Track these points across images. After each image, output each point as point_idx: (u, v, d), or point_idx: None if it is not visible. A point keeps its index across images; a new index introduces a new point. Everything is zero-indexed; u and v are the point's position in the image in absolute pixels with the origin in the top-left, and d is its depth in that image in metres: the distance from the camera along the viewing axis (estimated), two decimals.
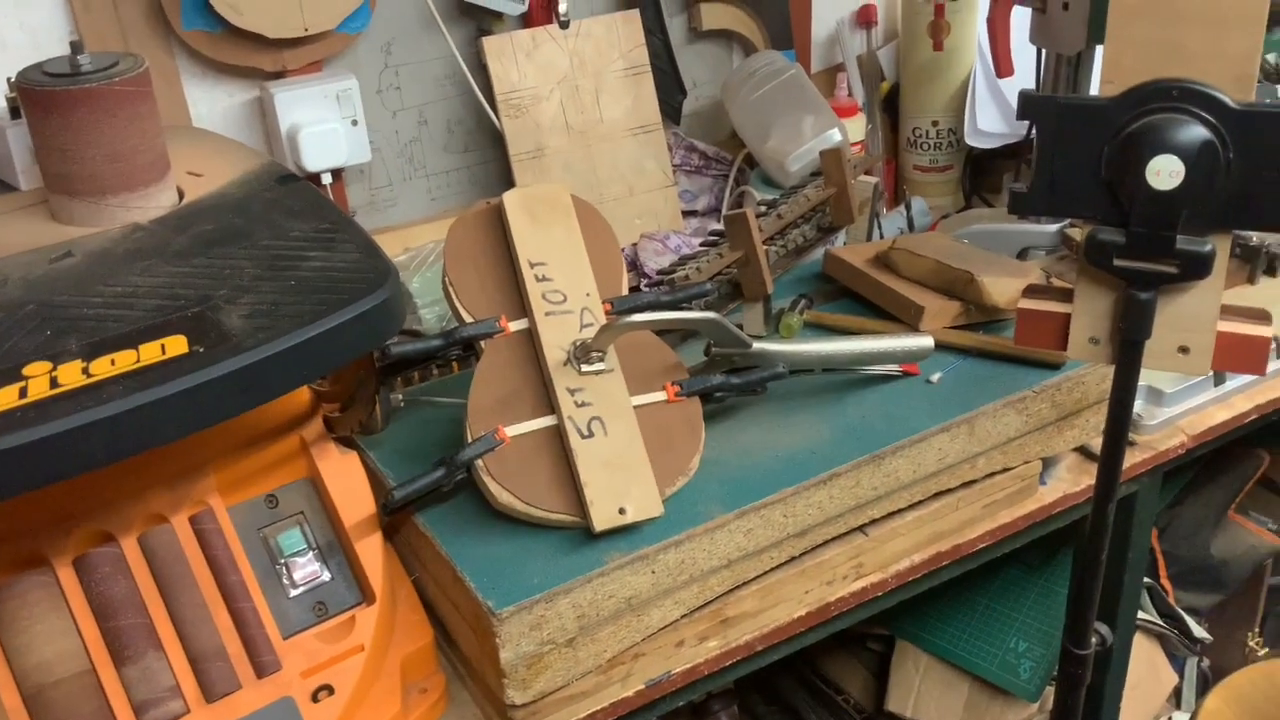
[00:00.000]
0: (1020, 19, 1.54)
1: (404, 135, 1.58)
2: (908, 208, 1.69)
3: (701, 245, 1.34)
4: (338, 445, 1.00)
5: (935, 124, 1.84)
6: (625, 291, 1.10)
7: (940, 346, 1.24)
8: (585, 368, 1.02)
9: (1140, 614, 1.74)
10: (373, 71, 1.52)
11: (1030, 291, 1.04)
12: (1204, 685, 1.93)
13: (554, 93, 1.58)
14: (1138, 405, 1.36)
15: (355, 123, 1.46)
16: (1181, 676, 1.92)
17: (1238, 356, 0.97)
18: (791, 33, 1.79)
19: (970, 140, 1.78)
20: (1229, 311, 0.98)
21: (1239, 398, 1.42)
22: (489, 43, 1.54)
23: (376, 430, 1.05)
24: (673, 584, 1.00)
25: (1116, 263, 0.94)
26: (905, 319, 1.29)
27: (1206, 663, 1.95)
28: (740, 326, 1.30)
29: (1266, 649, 2.02)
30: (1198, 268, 0.93)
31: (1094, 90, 0.98)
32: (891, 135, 1.92)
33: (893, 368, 1.21)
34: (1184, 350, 0.98)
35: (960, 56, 1.78)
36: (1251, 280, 1.53)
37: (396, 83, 1.55)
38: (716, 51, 1.80)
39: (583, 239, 1.09)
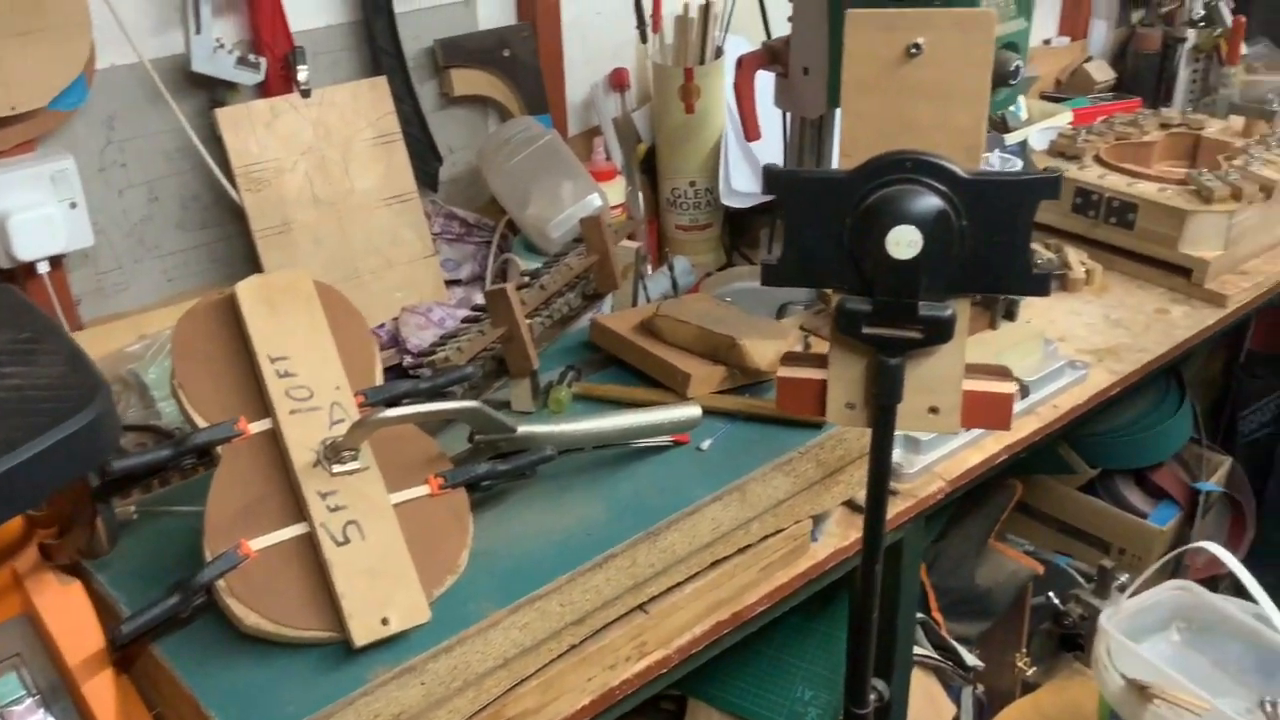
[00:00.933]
0: (765, 83, 1.58)
1: (133, 214, 1.46)
2: (671, 269, 1.70)
3: (464, 321, 1.29)
4: (57, 575, 0.90)
5: (693, 184, 1.87)
6: (379, 380, 1.04)
7: (709, 412, 1.24)
8: (337, 468, 0.95)
9: (916, 649, 1.80)
10: (94, 149, 1.40)
11: (788, 359, 1.05)
12: (980, 711, 2.01)
13: (298, 164, 1.50)
14: (897, 454, 1.40)
15: (74, 205, 1.34)
16: (959, 704, 1.99)
17: (984, 414, 1.00)
18: (546, 97, 1.78)
19: (726, 200, 1.81)
20: (974, 370, 1.01)
21: (989, 440, 1.49)
22: (223, 114, 1.45)
23: (102, 553, 0.95)
24: (445, 693, 0.94)
25: (865, 330, 0.96)
26: (673, 386, 1.28)
27: (981, 689, 2.03)
28: (507, 404, 1.26)
29: (1034, 668, 2.12)
30: (940, 332, 0.95)
31: (836, 152, 1.01)
32: (652, 195, 1.94)
33: (664, 438, 1.19)
34: (934, 410, 1.00)
35: (711, 119, 1.82)
36: (993, 325, 1.61)
37: (122, 159, 1.43)
38: (471, 117, 1.77)
39: (329, 327, 1.02)
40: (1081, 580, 2.32)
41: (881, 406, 0.99)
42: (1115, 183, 1.91)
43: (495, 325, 1.21)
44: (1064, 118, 2.37)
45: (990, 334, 1.61)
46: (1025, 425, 1.53)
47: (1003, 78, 1.36)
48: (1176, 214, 1.82)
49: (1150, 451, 2.39)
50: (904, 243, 0.91)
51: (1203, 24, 2.54)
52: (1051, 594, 2.27)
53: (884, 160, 0.93)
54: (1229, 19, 2.48)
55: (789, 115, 1.59)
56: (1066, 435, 2.36)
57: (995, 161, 2.17)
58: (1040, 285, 0.95)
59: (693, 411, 1.16)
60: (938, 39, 0.90)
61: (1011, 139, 2.28)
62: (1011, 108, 2.44)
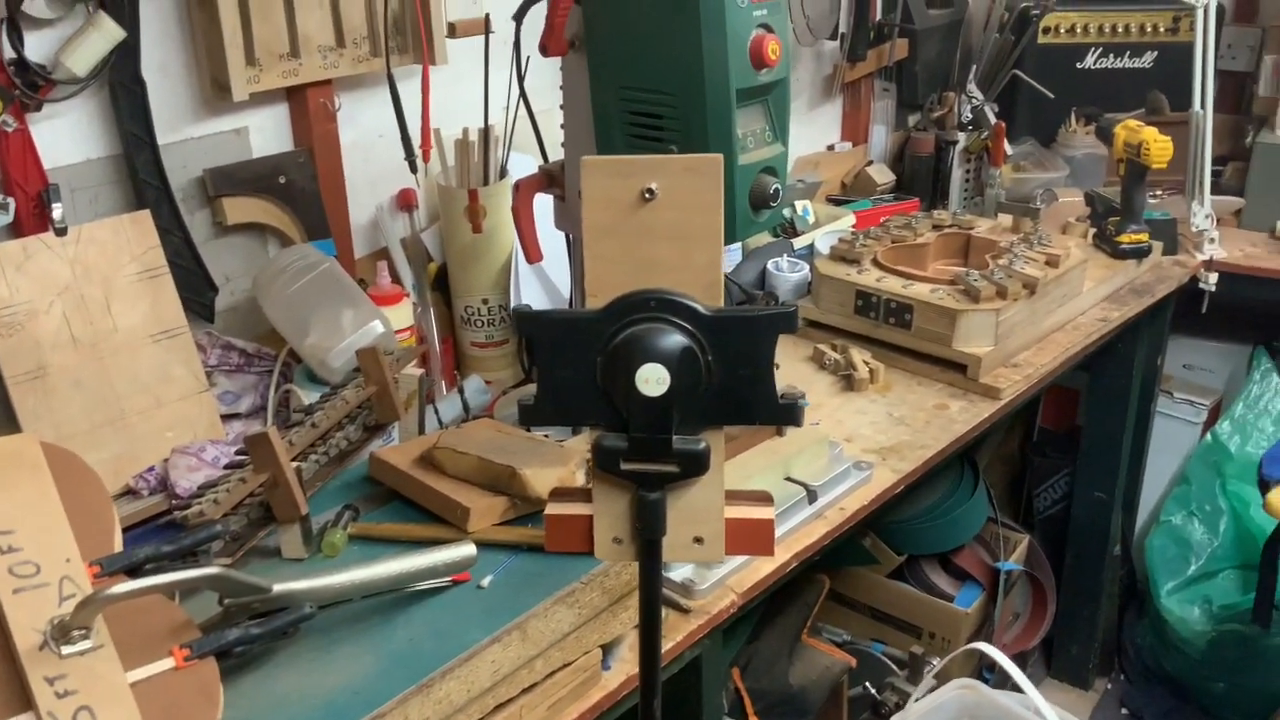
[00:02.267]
0: (545, 205, 1.60)
1: None
2: (461, 391, 1.68)
3: (227, 466, 1.24)
4: None
5: (485, 302, 1.86)
6: (118, 546, 0.98)
7: (491, 545, 1.22)
8: (67, 649, 0.89)
9: None
10: None
11: (556, 495, 1.04)
12: None
13: (54, 305, 1.43)
14: (688, 571, 1.41)
15: None
16: None
17: (747, 540, 1.01)
18: (328, 221, 1.75)
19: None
20: (735, 497, 1.02)
21: (778, 549, 1.50)
22: None
23: None
24: None
25: (623, 467, 0.96)
26: (453, 521, 1.25)
27: None
28: (279, 550, 1.21)
29: None
30: (695, 466, 0.96)
31: None
32: (447, 313, 1.92)
33: (442, 579, 1.16)
34: (699, 541, 1.01)
35: (500, 237, 1.82)
36: (780, 432, 1.64)
37: None
38: (250, 244, 1.73)
39: (59, 494, 0.96)
40: (895, 668, 2.37)
41: (646, 541, 0.98)
42: (892, 285, 1.99)
43: (258, 471, 1.17)
44: (847, 221, 2.48)
45: (778, 441, 1.64)
46: (814, 529, 1.56)
47: (763, 200, 1.40)
48: (948, 314, 1.91)
49: (950, 536, 2.48)
50: (653, 380, 0.92)
51: (971, 128, 2.72)
52: (868, 684, 2.31)
53: (629, 300, 0.94)
54: (994, 122, 2.66)
55: (570, 236, 1.61)
56: (873, 525, 2.44)
57: (785, 266, 2.25)
58: (789, 415, 0.98)
59: (466, 551, 1.13)
60: (671, 184, 0.93)
61: (800, 243, 2.37)
62: (800, 212, 2.56)
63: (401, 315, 1.70)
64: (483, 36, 1.71)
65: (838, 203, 2.69)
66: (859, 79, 2.78)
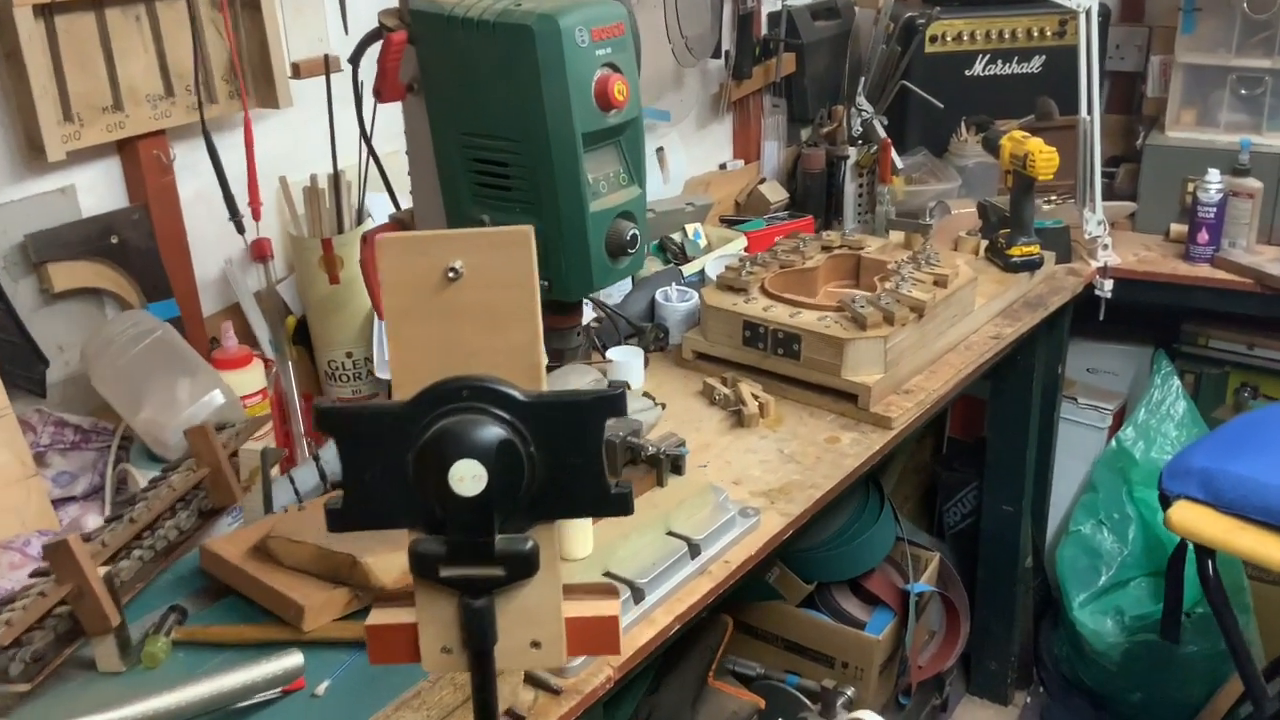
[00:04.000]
0: None
1: None
2: (317, 459, 1.57)
3: (32, 574, 1.12)
4: None
5: (350, 355, 1.76)
6: None
7: (330, 645, 1.12)
8: None
9: None
10: None
11: (380, 602, 0.95)
12: None
13: None
14: None
15: None
16: None
17: (591, 640, 0.93)
18: (168, 281, 1.63)
19: (381, 373, 1.71)
20: (574, 592, 0.94)
21: (659, 612, 1.42)
22: None
23: None
24: None
25: (443, 573, 0.87)
26: (288, 620, 1.15)
27: None
28: (93, 663, 1.09)
29: None
30: (523, 567, 0.87)
31: None
32: (312, 368, 1.82)
33: (271, 690, 1.06)
34: (536, 645, 0.92)
35: (360, 286, 1.72)
36: (660, 482, 1.56)
37: None
38: (85, 310, 1.60)
39: None
40: (808, 702, 2.30)
41: (476, 651, 0.90)
42: (779, 314, 1.93)
43: (60, 583, 1.06)
44: (739, 244, 2.42)
45: (658, 493, 1.56)
46: (698, 587, 1.48)
47: (620, 247, 1.32)
48: (835, 343, 1.85)
49: (859, 561, 2.42)
50: (468, 478, 0.83)
51: (861, 141, 2.67)
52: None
53: (439, 390, 0.85)
54: (883, 136, 2.61)
55: None
56: (781, 554, 2.37)
57: (674, 295, 2.17)
58: (622, 505, 0.89)
59: (291, 662, 1.04)
60: (477, 260, 0.84)
61: (690, 269, 2.30)
62: (691, 236, 2.49)
63: (250, 379, 1.59)
64: (332, 76, 1.61)
65: (731, 223, 2.63)
66: (747, 96, 2.71)
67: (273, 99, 1.65)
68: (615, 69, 1.28)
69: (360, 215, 1.72)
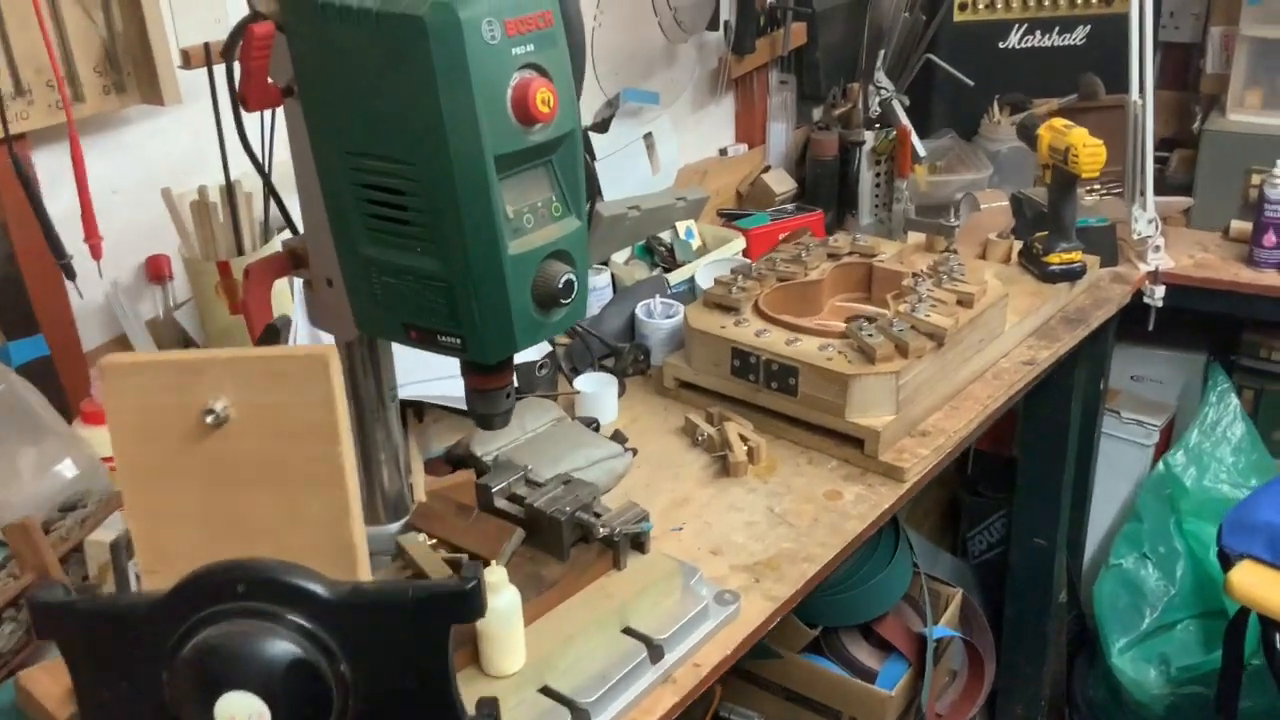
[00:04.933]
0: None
1: None
2: None
3: None
4: None
5: None
6: None
7: None
8: None
9: None
10: None
11: None
12: None
13: None
14: None
15: None
16: None
17: None
18: (34, 313, 1.37)
19: None
20: None
21: None
22: None
23: None
24: None
25: None
26: None
27: None
28: None
29: None
30: None
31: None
32: None
33: None
34: None
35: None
36: (618, 565, 1.29)
37: None
38: None
39: None
40: None
41: None
42: (774, 341, 1.64)
43: None
44: (736, 245, 2.13)
45: (615, 578, 1.29)
46: (660, 700, 1.21)
47: (551, 296, 1.04)
48: (838, 379, 1.56)
49: (871, 605, 2.15)
50: (241, 716, 0.57)
51: (879, 125, 2.36)
52: None
53: (201, 582, 0.58)
54: (904, 119, 2.31)
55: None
56: None
57: (657, 310, 1.89)
58: None
59: None
60: (250, 397, 0.57)
61: (679, 277, 2.01)
62: (682, 235, 2.19)
63: None
64: (224, 67, 1.32)
65: (731, 217, 2.33)
66: (750, 72, 2.40)
67: (156, 94, 1.37)
68: (540, 71, 0.99)
69: (268, 232, 1.45)
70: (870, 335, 1.59)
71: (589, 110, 2.09)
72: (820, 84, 2.50)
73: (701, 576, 1.34)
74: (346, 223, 1.06)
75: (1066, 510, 2.31)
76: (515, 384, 1.17)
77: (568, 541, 1.25)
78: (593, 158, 2.10)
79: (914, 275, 1.80)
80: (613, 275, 2.05)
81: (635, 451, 1.60)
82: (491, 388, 1.14)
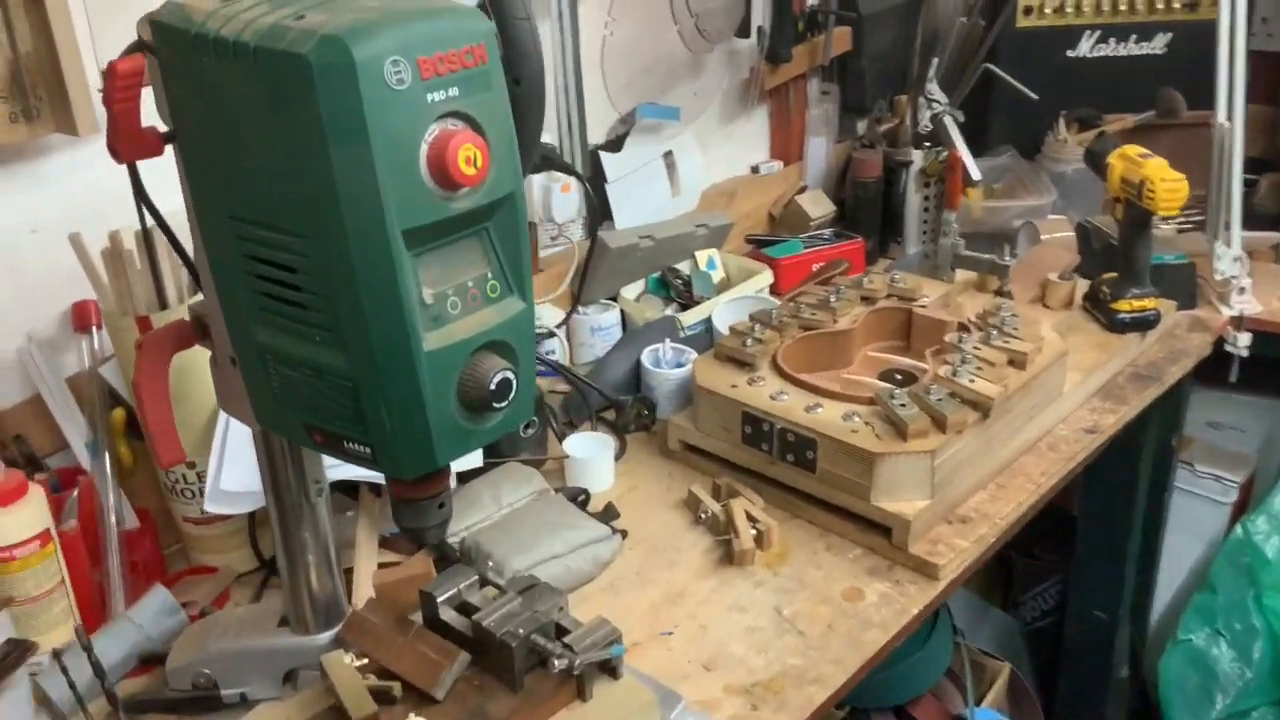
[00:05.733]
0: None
1: None
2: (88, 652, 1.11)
3: None
4: None
5: (193, 466, 1.31)
6: None
7: None
8: None
9: None
10: None
11: None
12: None
13: None
14: None
15: None
16: None
17: None
18: None
19: (211, 506, 1.25)
20: None
21: None
22: None
23: None
24: None
25: None
26: None
27: None
28: None
29: None
30: None
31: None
32: (154, 476, 1.37)
33: None
34: None
35: (202, 375, 1.26)
36: (582, 695, 1.08)
37: None
38: None
39: None
40: None
41: None
42: (792, 406, 1.42)
43: None
44: (762, 279, 1.90)
45: (579, 710, 1.08)
46: None
47: (482, 399, 0.83)
48: (863, 456, 1.34)
49: (906, 686, 1.93)
50: None
51: (928, 144, 2.12)
52: None
53: None
54: (956, 136, 2.06)
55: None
56: None
57: (666, 356, 1.67)
58: None
59: None
60: None
61: (693, 318, 1.79)
62: (703, 266, 1.97)
63: (25, 517, 1.14)
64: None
65: (760, 244, 2.10)
66: (786, 82, 2.17)
67: (70, 123, 1.18)
68: (467, 122, 0.78)
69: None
70: (903, 406, 1.36)
71: (601, 127, 1.88)
72: (866, 95, 2.26)
73: (685, 706, 1.13)
74: (236, 300, 0.87)
75: (1131, 580, 2.06)
76: (454, 485, 0.97)
77: (520, 670, 1.05)
78: (604, 180, 1.89)
79: (959, 327, 1.57)
80: (622, 313, 1.84)
81: (625, 534, 1.39)
82: (419, 498, 0.93)
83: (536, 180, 1.61)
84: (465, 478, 1.46)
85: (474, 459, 1.37)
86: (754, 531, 1.38)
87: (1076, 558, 2.05)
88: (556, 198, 1.61)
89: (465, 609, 1.12)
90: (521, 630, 1.05)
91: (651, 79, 1.90)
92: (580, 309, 1.83)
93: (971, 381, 1.41)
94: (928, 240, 2.03)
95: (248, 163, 0.79)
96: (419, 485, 0.92)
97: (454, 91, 0.77)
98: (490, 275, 0.85)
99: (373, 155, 0.74)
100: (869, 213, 2.15)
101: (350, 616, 1.12)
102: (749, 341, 1.53)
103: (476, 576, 1.13)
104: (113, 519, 1.26)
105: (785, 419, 1.41)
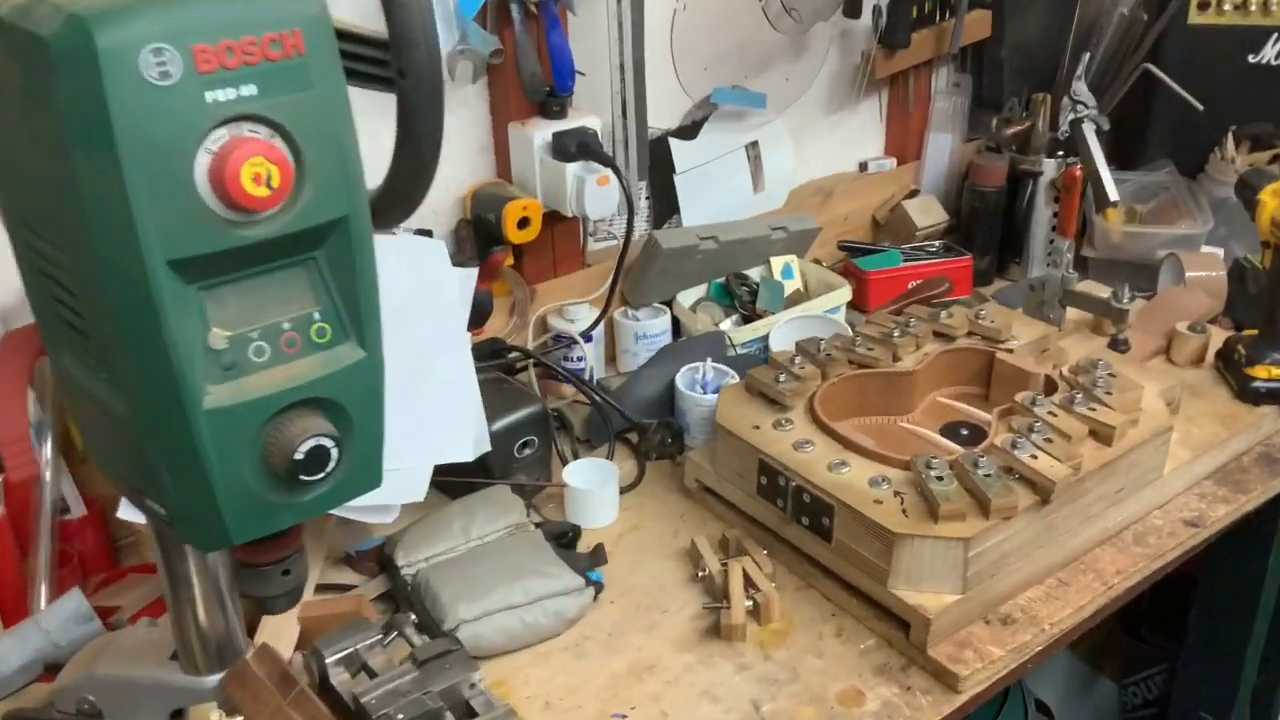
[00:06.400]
0: None
1: None
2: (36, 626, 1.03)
3: None
4: None
5: None
6: None
7: None
8: None
9: None
10: None
11: None
12: None
13: None
14: None
15: None
16: None
17: None
18: None
19: (124, 512, 1.14)
20: None
21: None
22: None
23: None
24: None
25: None
26: None
27: None
28: None
29: None
30: None
31: None
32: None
33: None
34: None
35: None
36: None
37: None
38: None
39: None
40: None
41: None
42: (815, 460, 1.21)
43: None
44: (837, 297, 1.68)
45: None
46: None
47: (287, 468, 0.67)
48: (880, 535, 1.12)
49: None
50: None
51: (1062, 153, 1.84)
52: None
53: None
54: (1094, 147, 1.77)
55: None
56: None
57: (705, 378, 1.48)
58: None
59: None
60: None
61: (748, 335, 1.59)
62: (779, 274, 1.76)
63: None
64: None
65: (855, 252, 1.87)
66: (907, 70, 1.92)
67: None
68: (274, 129, 0.62)
69: None
70: (939, 478, 1.14)
71: (674, 112, 1.68)
72: (1004, 88, 1.98)
73: None
74: (41, 316, 0.73)
75: (1251, 681, 1.75)
76: (303, 546, 0.82)
77: None
78: (672, 170, 1.70)
79: (1045, 382, 1.32)
80: (675, 320, 1.66)
81: (599, 589, 1.22)
82: (258, 563, 0.79)
83: (570, 170, 1.44)
84: (456, 491, 1.32)
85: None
86: (750, 603, 1.19)
87: (1186, 650, 1.75)
88: (591, 190, 1.43)
89: (367, 669, 0.97)
90: (400, 716, 0.90)
91: (736, 60, 1.69)
92: (629, 312, 1.65)
93: (1034, 457, 1.17)
94: (1055, 259, 1.74)
95: (18, 159, 0.65)
96: (256, 549, 0.78)
97: (249, 90, 0.61)
98: (318, 316, 0.68)
99: (121, 165, 0.58)
100: (986, 227, 1.88)
101: (238, 666, 0.99)
102: (783, 377, 1.32)
103: (379, 636, 0.99)
104: (47, 508, 1.17)
105: (803, 475, 1.20)
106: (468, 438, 1.19)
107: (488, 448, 1.22)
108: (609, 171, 1.43)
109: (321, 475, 0.69)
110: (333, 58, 0.64)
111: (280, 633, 1.10)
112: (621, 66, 1.49)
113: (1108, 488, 1.24)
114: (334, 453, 0.68)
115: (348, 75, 0.70)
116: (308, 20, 0.63)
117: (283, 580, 0.80)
